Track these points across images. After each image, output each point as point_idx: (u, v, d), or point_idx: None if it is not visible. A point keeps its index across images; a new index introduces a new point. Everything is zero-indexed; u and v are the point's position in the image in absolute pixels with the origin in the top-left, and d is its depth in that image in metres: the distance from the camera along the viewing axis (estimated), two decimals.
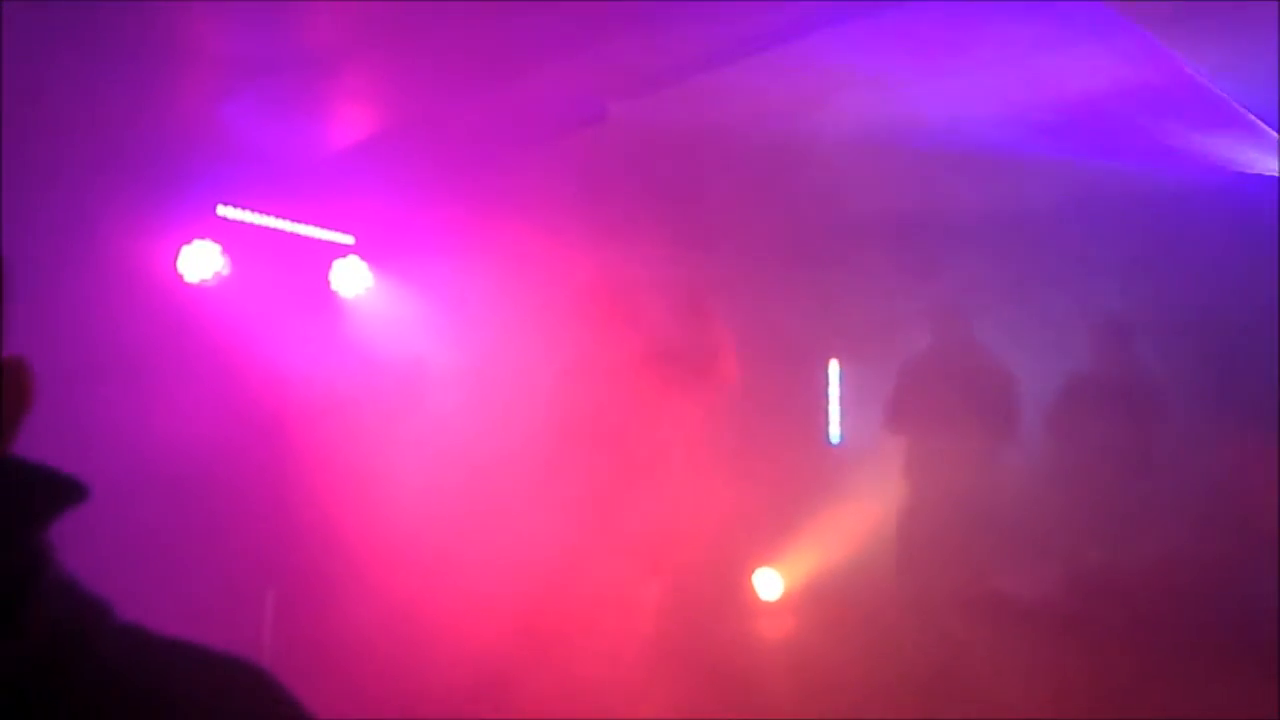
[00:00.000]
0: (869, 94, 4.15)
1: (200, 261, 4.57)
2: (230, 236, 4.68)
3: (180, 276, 4.55)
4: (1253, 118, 4.13)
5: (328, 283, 5.27)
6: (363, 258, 5.32)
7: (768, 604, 6.40)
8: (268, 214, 4.85)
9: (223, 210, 4.66)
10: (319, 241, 5.17)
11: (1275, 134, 4.26)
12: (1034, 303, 5.57)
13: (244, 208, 4.74)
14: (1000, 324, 5.70)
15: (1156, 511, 4.59)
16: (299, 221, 5.01)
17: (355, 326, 5.32)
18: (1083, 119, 4.34)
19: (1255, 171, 4.73)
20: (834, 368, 7.07)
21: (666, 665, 4.02)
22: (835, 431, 7.06)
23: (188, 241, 4.56)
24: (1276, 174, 4.67)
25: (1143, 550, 4.22)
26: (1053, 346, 5.52)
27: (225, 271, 4.64)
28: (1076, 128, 4.40)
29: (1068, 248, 5.48)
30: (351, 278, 5.30)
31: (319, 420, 4.66)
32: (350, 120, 4.60)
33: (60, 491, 0.72)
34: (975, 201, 5.34)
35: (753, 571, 6.44)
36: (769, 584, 6.42)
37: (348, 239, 5.28)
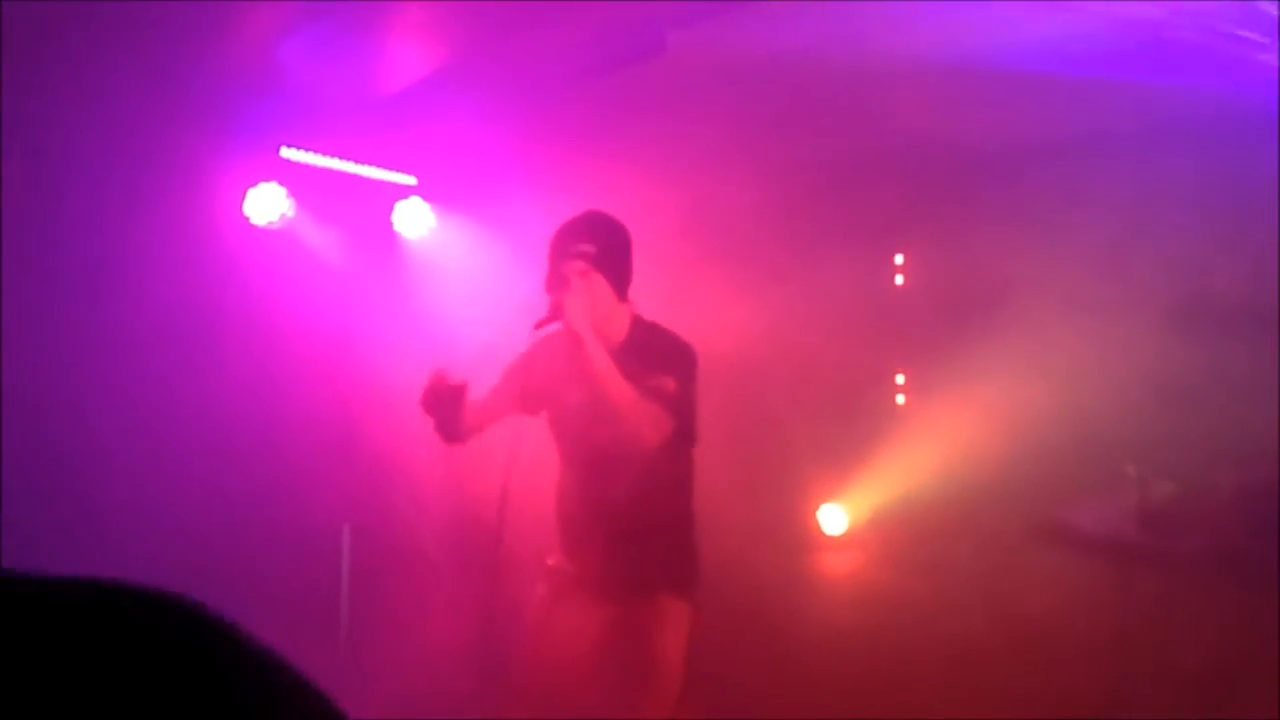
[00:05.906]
0: (934, 17, 4.01)
1: (266, 204, 4.62)
2: (294, 179, 4.71)
3: (246, 220, 4.61)
4: None
5: (390, 224, 5.30)
6: (425, 199, 5.33)
7: (832, 539, 6.41)
8: (330, 155, 4.87)
9: (286, 152, 4.69)
10: (382, 183, 5.19)
11: None
12: (1105, 228, 5.39)
13: (307, 149, 4.76)
14: (1071, 249, 5.53)
15: (1234, 444, 4.47)
16: (361, 162, 5.03)
17: (418, 268, 5.35)
18: (1156, 40, 4.15)
19: None
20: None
21: (724, 603, 4.05)
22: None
23: (253, 185, 4.60)
24: None
25: (1219, 484, 4.13)
26: (1127, 273, 5.35)
27: (291, 214, 4.68)
28: (1148, 49, 4.22)
29: (1139, 172, 5.28)
30: (414, 219, 5.31)
31: (386, 358, 4.73)
32: (409, 57, 4.58)
33: None
34: (1047, 126, 5.16)
35: (817, 506, 6.44)
36: (834, 519, 6.42)
37: (410, 180, 5.28)
